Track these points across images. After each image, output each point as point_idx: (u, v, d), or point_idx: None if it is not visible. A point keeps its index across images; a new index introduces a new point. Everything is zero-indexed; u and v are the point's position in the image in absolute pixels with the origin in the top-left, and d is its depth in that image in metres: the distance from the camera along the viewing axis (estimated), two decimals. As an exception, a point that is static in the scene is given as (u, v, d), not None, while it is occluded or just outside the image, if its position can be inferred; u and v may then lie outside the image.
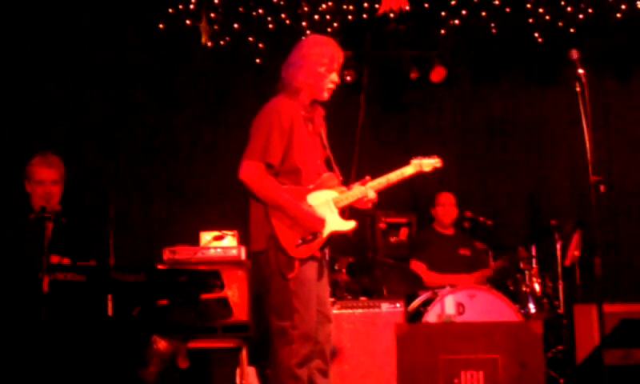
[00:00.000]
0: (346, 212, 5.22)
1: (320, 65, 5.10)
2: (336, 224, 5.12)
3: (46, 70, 7.79)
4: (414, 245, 7.87)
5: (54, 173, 5.72)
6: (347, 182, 5.29)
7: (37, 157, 5.76)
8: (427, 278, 7.29)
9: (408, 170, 5.40)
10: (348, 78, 8.26)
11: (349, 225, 5.16)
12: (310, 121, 5.19)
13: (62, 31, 7.82)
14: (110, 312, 5.12)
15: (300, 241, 4.96)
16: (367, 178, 5.26)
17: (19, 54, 7.69)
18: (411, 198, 8.63)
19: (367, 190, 5.20)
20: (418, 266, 7.48)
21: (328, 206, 5.10)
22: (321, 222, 5.02)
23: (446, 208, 7.87)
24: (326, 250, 5.20)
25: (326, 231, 5.05)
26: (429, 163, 5.48)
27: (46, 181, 5.68)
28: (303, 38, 5.42)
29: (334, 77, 5.16)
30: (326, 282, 5.25)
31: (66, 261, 5.33)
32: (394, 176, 5.33)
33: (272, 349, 4.99)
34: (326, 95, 5.19)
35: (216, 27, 7.94)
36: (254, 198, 5.02)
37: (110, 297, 5.08)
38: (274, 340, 4.98)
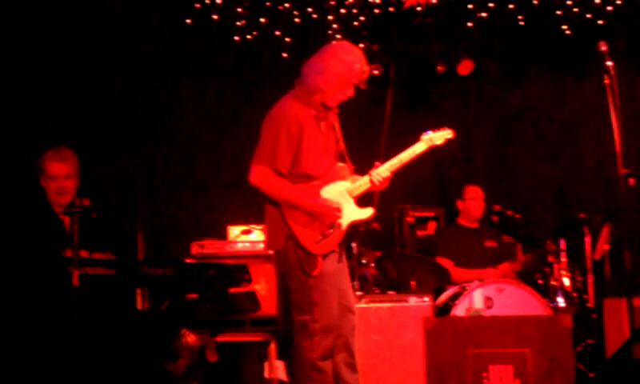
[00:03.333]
0: (374, 201, 5.23)
1: (339, 77, 5.05)
2: (354, 213, 5.14)
3: (75, 66, 7.82)
4: (440, 242, 7.85)
5: (67, 167, 5.64)
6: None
7: (49, 151, 5.69)
8: (454, 275, 7.27)
9: (419, 147, 5.34)
10: (375, 72, 8.25)
11: (366, 212, 5.17)
12: (322, 119, 5.18)
13: (91, 28, 7.85)
14: (139, 306, 5.15)
15: (320, 237, 4.99)
16: (377, 163, 5.25)
17: (50, 51, 7.73)
18: (439, 192, 8.61)
19: (376, 171, 5.17)
20: (444, 264, 7.46)
21: (343, 197, 5.13)
22: (338, 210, 5.03)
23: (476, 202, 7.85)
24: (353, 246, 5.21)
25: (345, 222, 5.07)
26: (440, 136, 5.41)
27: (59, 176, 5.61)
28: (333, 42, 5.35)
29: (350, 91, 5.12)
30: (346, 273, 5.26)
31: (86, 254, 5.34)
32: (406, 155, 5.28)
33: (294, 343, 5.04)
34: (334, 104, 5.17)
35: (244, 22, 7.95)
36: (267, 201, 5.07)
37: (140, 291, 5.10)
38: (295, 334, 5.03)
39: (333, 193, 5.11)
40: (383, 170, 5.19)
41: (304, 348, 4.98)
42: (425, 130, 8.59)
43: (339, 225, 5.05)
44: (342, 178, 5.19)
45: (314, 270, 4.95)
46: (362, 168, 5.29)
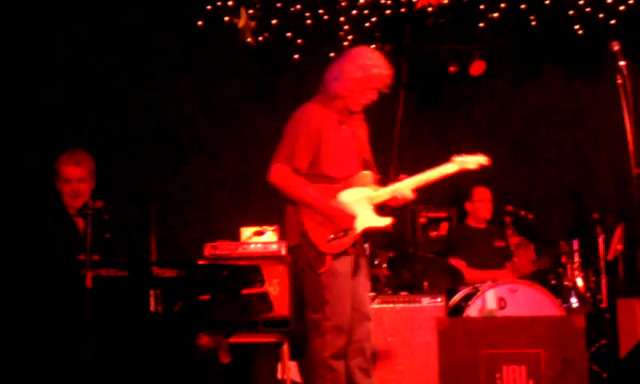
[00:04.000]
0: (386, 209, 5.24)
1: (356, 82, 5.11)
2: (370, 220, 5.16)
3: (88, 67, 7.85)
4: (451, 243, 7.84)
5: (82, 170, 5.64)
6: (386, 180, 5.30)
7: (64, 154, 5.69)
8: (467, 275, 7.27)
9: (449, 168, 5.36)
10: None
11: (384, 221, 5.19)
12: (346, 123, 5.22)
13: (104, 30, 7.88)
14: (152, 307, 5.15)
15: (331, 236, 5.02)
16: (402, 176, 5.28)
17: (67, 53, 7.76)
18: (451, 193, 8.60)
19: (399, 188, 5.21)
20: (457, 264, 7.45)
21: (362, 203, 5.15)
22: (351, 217, 5.06)
23: (484, 203, 7.86)
24: (365, 247, 5.23)
25: (360, 227, 5.10)
26: (474, 161, 5.43)
27: (73, 179, 5.61)
28: (354, 47, 5.41)
29: (371, 94, 5.17)
30: (365, 280, 5.30)
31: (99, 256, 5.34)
32: (434, 174, 5.31)
33: (307, 342, 5.10)
34: (358, 108, 5.23)
35: (253, 24, 7.96)
36: (284, 199, 5.13)
37: (153, 292, 5.10)
38: (308, 333, 5.09)
39: (352, 197, 5.14)
40: (407, 190, 5.21)
41: (316, 346, 5.03)
42: (437, 132, 8.69)
43: (353, 229, 5.08)
44: (364, 184, 5.23)
45: (320, 267, 5.00)
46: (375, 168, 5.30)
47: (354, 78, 5.09)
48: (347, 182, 5.16)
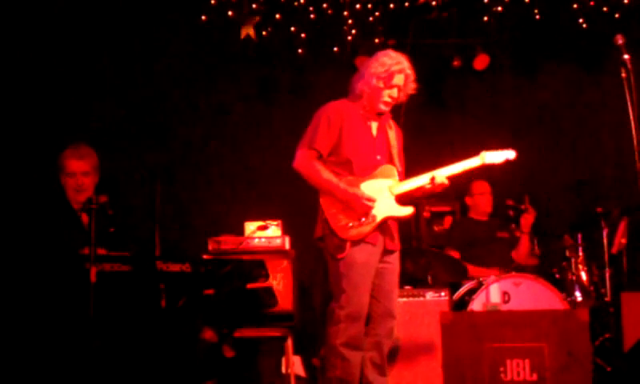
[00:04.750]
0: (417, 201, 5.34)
1: (377, 78, 5.27)
2: (391, 209, 5.25)
3: (93, 62, 7.85)
4: (452, 235, 7.83)
5: (85, 164, 5.67)
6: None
7: (68, 149, 5.71)
8: (471, 270, 7.26)
9: (474, 162, 5.46)
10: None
11: (405, 211, 5.29)
12: (372, 120, 5.36)
13: (107, 22, 7.87)
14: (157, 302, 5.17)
15: (350, 223, 5.10)
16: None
17: (69, 44, 7.76)
18: (455, 187, 8.58)
19: (437, 174, 5.30)
20: (452, 255, 7.44)
21: (383, 192, 5.24)
22: (370, 200, 5.13)
23: (484, 196, 7.85)
24: (397, 242, 5.29)
25: (380, 215, 5.17)
26: (501, 155, 5.54)
27: (77, 173, 5.64)
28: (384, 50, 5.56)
29: (393, 93, 5.31)
30: (394, 277, 5.36)
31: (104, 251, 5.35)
32: (459, 167, 5.41)
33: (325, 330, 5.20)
34: (382, 107, 5.35)
35: (257, 18, 7.95)
36: (307, 184, 5.25)
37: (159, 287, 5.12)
38: (326, 321, 5.18)
39: (373, 187, 5.24)
40: (443, 177, 5.33)
41: (329, 334, 5.13)
42: (440, 126, 8.67)
43: (373, 217, 5.15)
44: (386, 176, 5.32)
45: (339, 253, 5.11)
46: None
47: (376, 73, 5.25)
48: (370, 174, 5.26)
